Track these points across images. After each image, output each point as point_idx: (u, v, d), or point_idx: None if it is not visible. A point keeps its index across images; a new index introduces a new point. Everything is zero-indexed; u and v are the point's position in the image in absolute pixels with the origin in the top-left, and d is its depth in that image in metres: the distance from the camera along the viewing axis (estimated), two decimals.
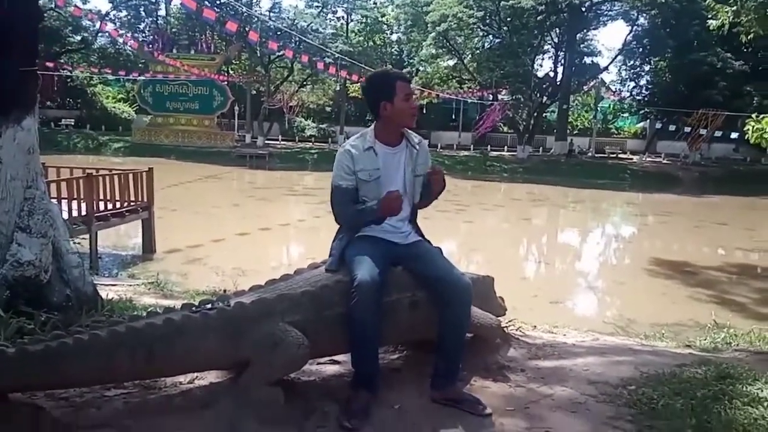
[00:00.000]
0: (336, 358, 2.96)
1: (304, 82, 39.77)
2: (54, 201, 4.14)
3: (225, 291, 3.83)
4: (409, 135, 2.80)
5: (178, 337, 2.33)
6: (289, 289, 2.56)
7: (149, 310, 2.55)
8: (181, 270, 9.47)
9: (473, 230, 15.48)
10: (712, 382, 2.93)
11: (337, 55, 27.11)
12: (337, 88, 38.60)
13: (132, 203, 9.72)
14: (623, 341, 4.51)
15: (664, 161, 33.41)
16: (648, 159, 33.72)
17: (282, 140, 36.81)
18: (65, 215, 8.00)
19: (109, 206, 9.21)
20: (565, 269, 11.48)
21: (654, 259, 11.82)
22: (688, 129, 30.45)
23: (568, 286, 9.78)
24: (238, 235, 12.54)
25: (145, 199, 9.99)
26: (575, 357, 3.49)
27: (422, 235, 2.91)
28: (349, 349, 2.62)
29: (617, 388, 2.92)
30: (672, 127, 31.99)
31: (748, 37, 9.77)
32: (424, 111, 39.30)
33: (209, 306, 2.44)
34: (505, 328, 3.86)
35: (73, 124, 36.31)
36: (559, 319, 6.74)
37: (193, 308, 2.43)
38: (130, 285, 4.92)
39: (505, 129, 38.78)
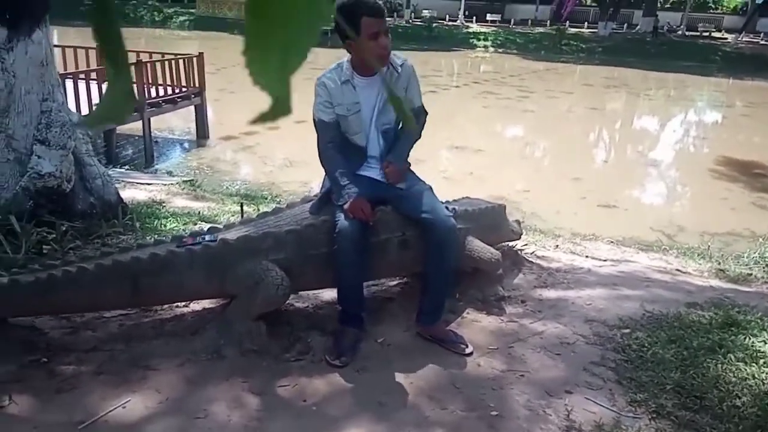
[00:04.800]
0: None
1: None
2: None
3: (244, 202, 3.91)
4: (392, 58, 2.56)
5: (162, 272, 2.42)
6: (275, 227, 2.57)
7: (138, 242, 2.64)
8: (233, 158, 9.71)
9: (532, 122, 14.79)
10: (715, 329, 2.82)
11: None
12: None
13: (184, 89, 9.81)
14: (650, 263, 4.35)
15: (762, 42, 30.19)
16: (744, 39, 30.56)
17: None
18: None
19: (161, 92, 9.34)
20: (624, 169, 10.91)
21: (722, 158, 11.05)
22: None
23: (622, 187, 9.35)
24: (295, 123, 12.46)
25: (197, 85, 10.05)
26: (583, 287, 3.42)
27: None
28: (335, 285, 2.66)
29: (612, 330, 2.87)
30: None
31: None
32: None
33: (196, 240, 2.50)
34: (519, 251, 3.81)
35: None
36: (601, 226, 6.58)
37: (180, 242, 2.50)
38: (165, 184, 5.09)
39: (589, 1, 35.66)
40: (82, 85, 7.57)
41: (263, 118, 0.38)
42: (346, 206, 2.45)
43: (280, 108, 0.39)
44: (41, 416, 2.04)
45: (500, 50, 30.42)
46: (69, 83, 7.24)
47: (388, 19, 2.50)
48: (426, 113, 2.76)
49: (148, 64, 8.88)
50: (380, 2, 2.48)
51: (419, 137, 2.75)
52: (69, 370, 2.28)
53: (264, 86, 0.34)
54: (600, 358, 2.62)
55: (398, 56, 2.62)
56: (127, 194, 4.48)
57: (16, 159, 3.39)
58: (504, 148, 11.72)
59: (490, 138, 12.63)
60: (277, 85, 0.34)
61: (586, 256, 4.24)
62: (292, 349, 2.54)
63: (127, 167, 7.03)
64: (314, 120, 2.59)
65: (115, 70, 0.40)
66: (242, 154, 9.85)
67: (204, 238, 2.51)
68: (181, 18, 33.32)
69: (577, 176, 9.54)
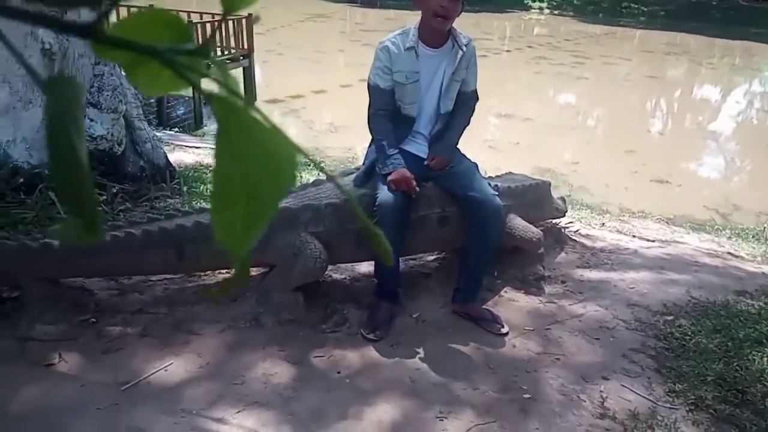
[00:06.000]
0: None
1: None
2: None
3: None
4: (458, 34, 2.54)
5: (206, 240, 2.47)
6: (314, 199, 2.58)
7: (184, 209, 2.70)
8: (279, 122, 9.71)
9: (586, 90, 14.29)
10: (764, 320, 2.72)
11: None
12: None
13: (233, 51, 9.85)
14: (700, 245, 4.20)
15: None
16: None
17: None
18: None
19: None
20: (680, 142, 10.46)
21: None
22: None
23: (677, 161, 8.97)
24: (341, 87, 12.39)
25: (246, 47, 10.07)
26: (627, 269, 3.34)
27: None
28: (372, 259, 2.67)
29: (655, 316, 2.80)
30: None
31: None
32: None
33: None
34: (563, 229, 3.73)
35: None
36: (652, 202, 6.38)
37: None
38: (212, 147, 5.17)
39: None
40: None
41: (224, 289, 0.41)
42: (390, 176, 2.44)
43: (241, 277, 0.40)
44: (88, 375, 2.14)
45: (556, 12, 29.38)
46: None
47: None
48: (477, 99, 2.69)
49: (198, 26, 8.92)
50: None
51: (468, 123, 2.69)
52: (116, 331, 2.38)
53: (231, 253, 0.35)
54: (640, 345, 2.56)
55: (464, 35, 2.57)
56: (175, 157, 4.57)
57: None
58: (554, 117, 11.38)
59: (541, 106, 12.29)
60: (240, 253, 0.36)
61: (633, 236, 4.12)
62: (328, 320, 2.58)
63: (176, 129, 7.16)
64: (369, 85, 2.55)
65: (77, 211, 0.36)
66: (288, 117, 9.89)
67: None
68: None
69: (631, 148, 9.21)
